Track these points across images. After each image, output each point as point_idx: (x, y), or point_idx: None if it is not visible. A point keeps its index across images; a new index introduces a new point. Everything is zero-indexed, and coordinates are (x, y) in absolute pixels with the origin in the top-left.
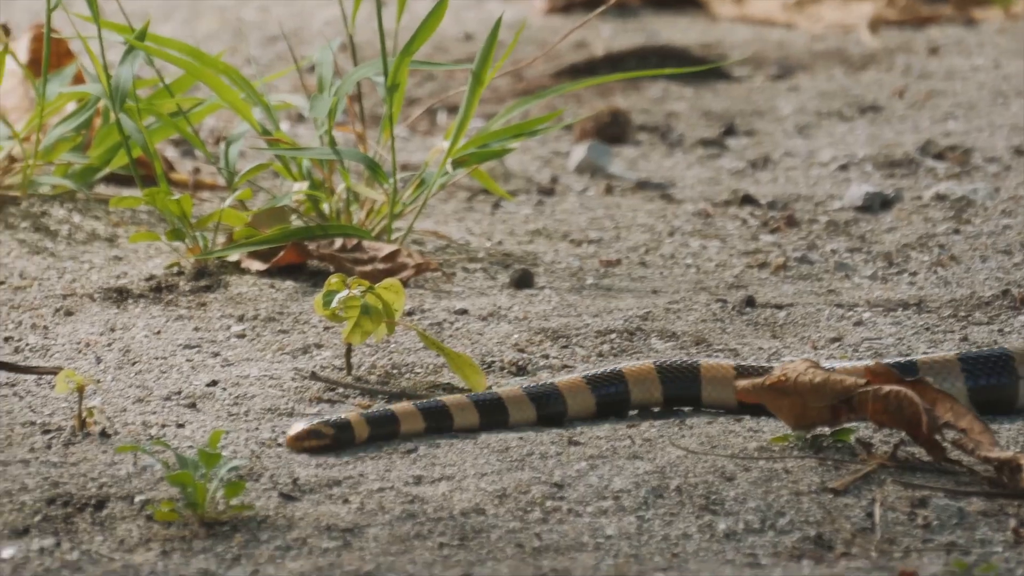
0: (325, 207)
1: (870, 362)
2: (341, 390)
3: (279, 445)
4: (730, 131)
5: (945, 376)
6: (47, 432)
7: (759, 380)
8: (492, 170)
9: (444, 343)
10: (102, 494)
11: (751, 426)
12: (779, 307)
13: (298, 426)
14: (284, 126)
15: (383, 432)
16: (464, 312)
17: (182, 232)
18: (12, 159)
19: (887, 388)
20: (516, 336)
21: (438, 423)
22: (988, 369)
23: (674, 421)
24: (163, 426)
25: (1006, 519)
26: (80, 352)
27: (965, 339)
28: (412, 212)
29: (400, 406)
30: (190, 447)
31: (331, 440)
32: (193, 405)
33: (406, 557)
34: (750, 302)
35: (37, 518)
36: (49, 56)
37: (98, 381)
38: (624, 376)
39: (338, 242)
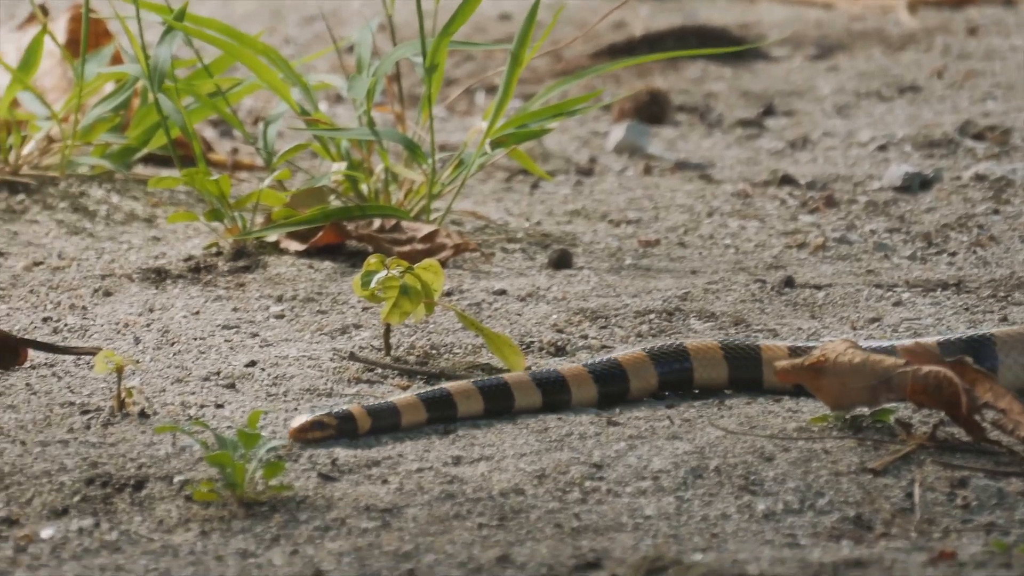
0: (364, 187)
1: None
2: (380, 371)
3: None
4: (769, 111)
5: None
6: (86, 412)
7: (798, 360)
8: (531, 150)
9: (483, 323)
10: (141, 474)
11: (790, 406)
12: (818, 287)
13: (301, 418)
14: (322, 106)
15: (384, 424)
16: (503, 292)
17: (221, 212)
18: (50, 139)
19: (926, 368)
20: (555, 316)
21: (442, 412)
22: (966, 353)
23: (713, 402)
24: (202, 406)
25: None
26: (119, 333)
27: (1005, 319)
28: (451, 192)
29: (402, 398)
30: (229, 427)
31: (335, 431)
32: (232, 385)
33: (445, 537)
34: (789, 282)
35: (76, 498)
36: (87, 36)
37: (137, 361)
38: (621, 365)
39: (376, 222)
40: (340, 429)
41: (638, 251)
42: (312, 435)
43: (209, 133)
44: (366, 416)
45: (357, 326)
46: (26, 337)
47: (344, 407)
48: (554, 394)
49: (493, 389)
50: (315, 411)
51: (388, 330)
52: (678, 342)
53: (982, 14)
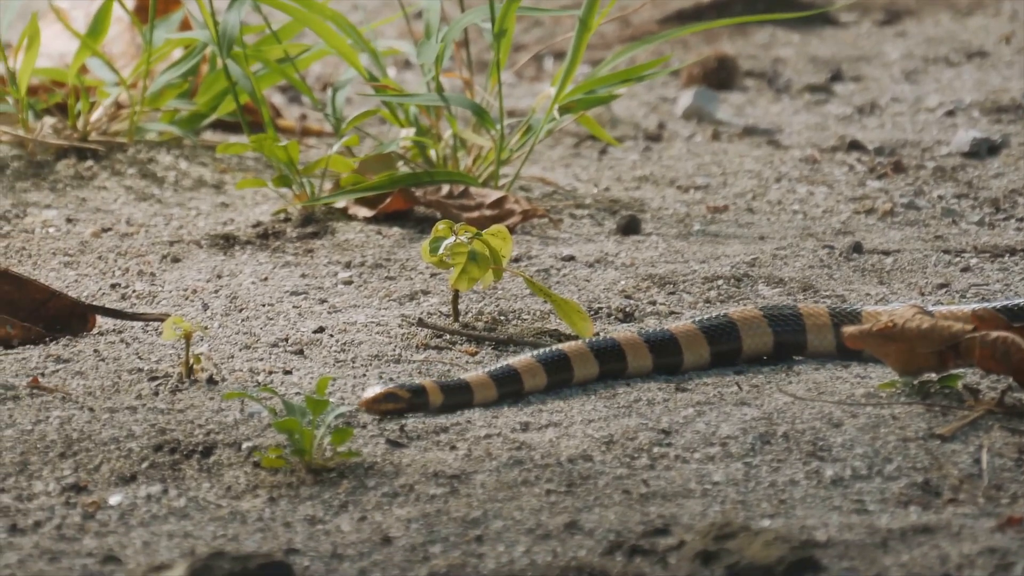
0: (432, 153)
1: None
2: (448, 337)
3: None
4: (837, 77)
5: None
6: (154, 379)
7: (866, 326)
8: (599, 116)
9: (551, 289)
10: (209, 441)
11: (858, 372)
12: (886, 253)
13: (374, 389)
14: (391, 72)
15: (457, 401)
16: (571, 258)
17: (289, 178)
18: (119, 106)
19: (994, 334)
20: (623, 282)
21: (511, 388)
22: None
23: (781, 367)
24: (270, 373)
25: None
26: (187, 299)
27: None
28: (519, 158)
29: (474, 376)
30: (297, 394)
31: (406, 404)
32: (300, 352)
33: (513, 503)
34: (857, 248)
35: (144, 465)
36: (156, 2)
37: (205, 328)
38: (677, 339)
39: (445, 188)
40: (412, 403)
41: (706, 217)
42: (384, 407)
43: (278, 99)
44: (438, 392)
45: (425, 292)
46: (94, 303)
47: (417, 381)
48: (610, 363)
49: (554, 362)
50: (388, 382)
51: (456, 296)
52: (724, 312)
53: None
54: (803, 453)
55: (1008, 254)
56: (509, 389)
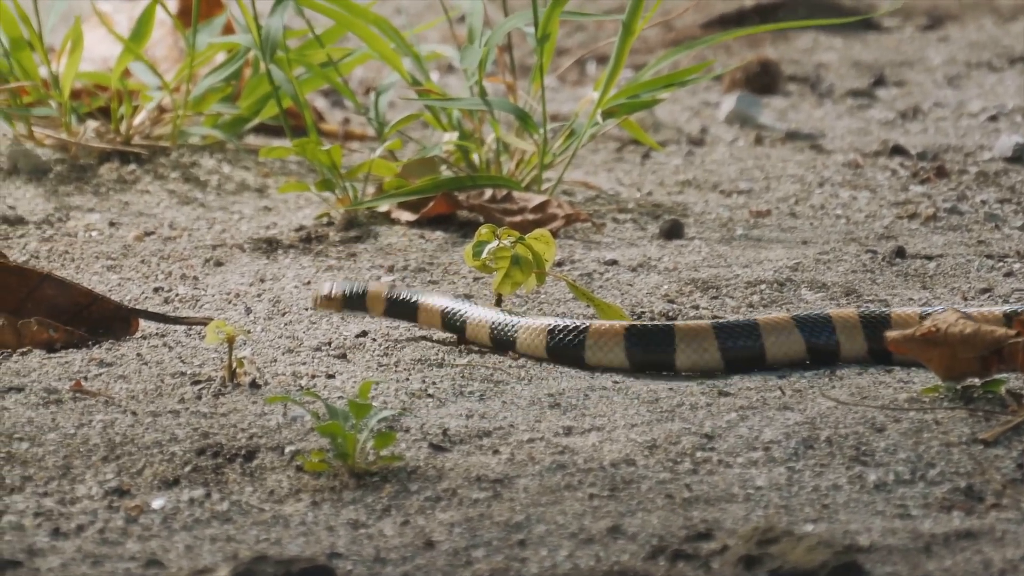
0: (475, 157)
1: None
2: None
3: (430, 396)
4: (880, 82)
5: None
6: (197, 383)
7: (909, 331)
8: (642, 120)
9: (594, 293)
10: (252, 445)
11: (901, 377)
12: (929, 258)
13: (324, 286)
14: (434, 76)
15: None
16: (614, 263)
17: (332, 182)
18: (162, 109)
19: None
20: (666, 287)
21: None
22: None
23: (824, 372)
24: (313, 377)
25: None
26: (230, 303)
27: None
28: (562, 162)
29: (424, 296)
30: (340, 398)
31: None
32: (343, 356)
33: (556, 508)
34: (900, 253)
35: (187, 469)
36: (199, 6)
37: (248, 332)
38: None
39: (488, 192)
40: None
41: (749, 221)
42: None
43: (320, 103)
44: (381, 302)
45: (468, 296)
46: (137, 307)
47: (368, 286)
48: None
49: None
50: (336, 281)
51: (499, 300)
52: (749, 317)
53: None
54: (846, 458)
55: None
56: (452, 326)
